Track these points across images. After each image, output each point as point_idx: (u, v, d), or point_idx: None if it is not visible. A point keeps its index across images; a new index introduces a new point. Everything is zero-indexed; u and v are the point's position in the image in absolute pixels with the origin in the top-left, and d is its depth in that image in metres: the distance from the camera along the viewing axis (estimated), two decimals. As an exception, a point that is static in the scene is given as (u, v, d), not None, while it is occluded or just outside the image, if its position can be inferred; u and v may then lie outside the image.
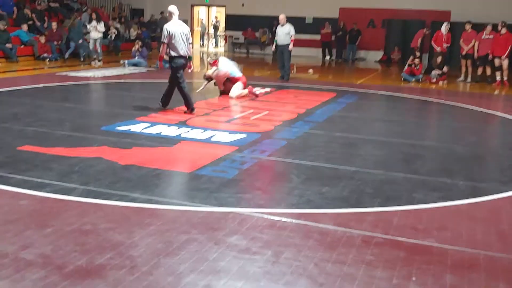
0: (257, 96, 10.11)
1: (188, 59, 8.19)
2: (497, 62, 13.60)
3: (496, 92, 12.72)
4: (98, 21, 15.45)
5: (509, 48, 13.36)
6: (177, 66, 7.98)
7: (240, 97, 9.92)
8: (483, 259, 3.46)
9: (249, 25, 22.79)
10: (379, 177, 5.17)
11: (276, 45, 13.32)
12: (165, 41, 7.96)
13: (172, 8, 8.17)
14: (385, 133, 7.33)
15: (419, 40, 15.85)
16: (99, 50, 15.47)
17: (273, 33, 22.30)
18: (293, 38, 12.95)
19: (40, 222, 3.76)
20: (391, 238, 3.73)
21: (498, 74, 13.73)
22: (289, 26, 12.94)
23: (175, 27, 7.97)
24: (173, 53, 7.95)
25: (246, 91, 10.15)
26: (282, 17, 13.10)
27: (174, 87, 8.15)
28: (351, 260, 3.36)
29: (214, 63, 10.56)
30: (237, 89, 10.00)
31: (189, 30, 8.24)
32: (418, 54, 14.32)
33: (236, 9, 23.14)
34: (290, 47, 12.98)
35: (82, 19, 17.81)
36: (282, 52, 13.12)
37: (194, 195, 4.42)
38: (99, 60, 15.43)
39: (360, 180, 5.04)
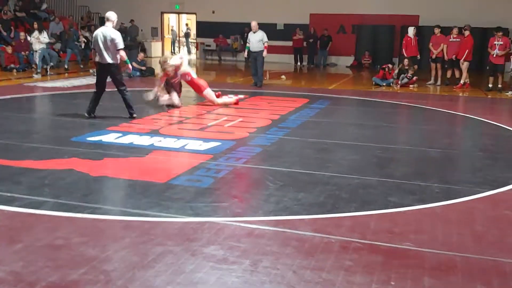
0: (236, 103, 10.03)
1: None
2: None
3: (465, 94, 12.95)
4: (40, 31, 14.88)
5: (466, 51, 13.63)
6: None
7: (226, 104, 9.83)
8: (459, 261, 3.48)
9: (221, 32, 22.77)
10: (354, 182, 5.17)
11: (249, 51, 13.31)
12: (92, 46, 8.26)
13: (107, 14, 8.28)
14: (358, 138, 7.36)
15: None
16: (38, 61, 14.66)
17: (245, 40, 22.47)
18: (266, 44, 13.04)
19: (9, 238, 3.63)
20: (369, 242, 3.72)
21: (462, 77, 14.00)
22: (262, 33, 13.01)
23: (97, 32, 8.14)
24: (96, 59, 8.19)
25: (232, 99, 10.11)
26: (254, 24, 13.20)
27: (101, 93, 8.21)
28: (330, 266, 3.33)
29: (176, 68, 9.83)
30: (212, 94, 9.89)
31: (112, 36, 7.93)
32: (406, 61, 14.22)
33: (207, 16, 23.10)
34: (264, 53, 13.06)
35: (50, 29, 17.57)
36: (255, 58, 13.17)
37: (169, 205, 4.35)
38: (37, 73, 14.38)
39: (336, 185, 5.04)
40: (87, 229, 3.84)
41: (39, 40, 14.68)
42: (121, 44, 7.99)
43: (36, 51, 14.69)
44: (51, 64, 16.59)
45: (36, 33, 14.72)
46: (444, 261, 3.47)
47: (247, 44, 13.39)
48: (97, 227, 3.89)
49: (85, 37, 19.15)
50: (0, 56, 15.30)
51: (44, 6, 20.78)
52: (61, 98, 10.55)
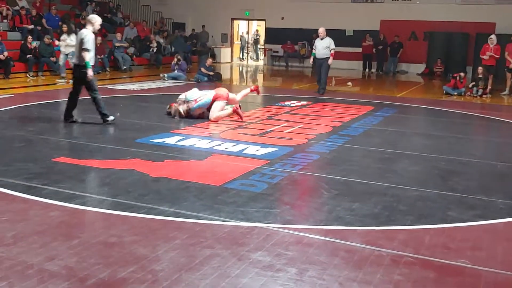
0: (241, 117, 8.57)
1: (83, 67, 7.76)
2: None
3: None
4: (69, 33, 13.99)
5: None
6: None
7: (220, 118, 8.52)
8: (519, 282, 3.28)
9: (289, 38, 22.82)
10: (413, 194, 5.01)
11: (314, 58, 13.09)
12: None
13: (88, 17, 8.30)
14: (422, 148, 7.14)
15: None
16: (61, 65, 14.11)
17: (312, 46, 22.40)
18: (333, 52, 12.77)
19: (67, 233, 3.79)
20: (422, 257, 3.59)
21: None
22: (329, 39, 12.78)
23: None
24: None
25: (228, 111, 8.58)
26: (322, 30, 12.95)
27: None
28: (378, 280, 3.24)
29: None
30: (216, 110, 8.52)
31: (82, 38, 7.71)
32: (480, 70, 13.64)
33: (275, 23, 23.23)
34: (330, 61, 12.80)
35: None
36: (320, 65, 12.94)
37: (221, 208, 4.39)
38: (62, 77, 13.86)
39: (393, 197, 4.90)
40: (141, 228, 3.94)
41: (66, 43, 14.02)
42: (86, 44, 7.67)
43: (66, 54, 13.85)
44: (125, 67, 17.29)
45: (64, 35, 14.21)
46: (502, 281, 3.29)
47: (313, 51, 13.19)
48: (150, 227, 3.98)
49: (157, 42, 19.80)
50: (77, 59, 16.02)
51: (119, 15, 21.62)
52: (131, 101, 10.93)
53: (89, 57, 7.73)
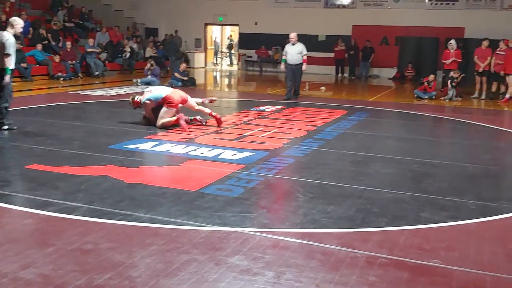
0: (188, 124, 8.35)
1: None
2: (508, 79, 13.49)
3: (511, 109, 12.57)
4: None
5: None
6: None
7: (165, 124, 8.22)
8: (490, 281, 3.37)
9: (262, 43, 22.91)
10: (387, 196, 5.09)
11: (286, 64, 12.80)
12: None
13: (11, 19, 7.97)
14: (395, 151, 7.26)
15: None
16: None
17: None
18: (305, 57, 12.63)
19: (42, 241, 3.75)
20: (396, 258, 3.65)
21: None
22: (301, 45, 12.60)
23: None
24: None
25: (173, 119, 8.24)
26: (293, 36, 12.72)
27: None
28: (354, 282, 3.29)
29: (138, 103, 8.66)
30: (161, 117, 8.22)
31: (3, 42, 7.47)
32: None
33: (249, 28, 23.30)
34: (304, 67, 12.67)
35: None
36: (293, 71, 12.71)
37: (198, 214, 4.39)
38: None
39: (367, 199, 4.97)
40: (117, 235, 3.92)
41: None
42: (9, 49, 7.45)
43: None
44: (97, 73, 17.12)
45: None
46: (473, 280, 3.37)
47: (284, 56, 12.90)
48: (126, 233, 3.96)
49: (131, 47, 19.67)
50: (48, 64, 15.85)
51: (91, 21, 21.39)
52: (104, 106, 10.83)
53: (11, 62, 7.46)
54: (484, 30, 16.85)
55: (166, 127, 8.23)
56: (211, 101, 9.26)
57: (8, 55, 7.44)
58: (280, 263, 3.50)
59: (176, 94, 8.47)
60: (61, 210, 4.39)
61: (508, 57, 13.40)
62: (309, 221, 4.32)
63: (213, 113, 8.60)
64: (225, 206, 4.60)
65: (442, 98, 13.77)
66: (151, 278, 3.24)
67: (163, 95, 8.30)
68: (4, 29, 7.97)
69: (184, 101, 8.48)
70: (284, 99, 12.48)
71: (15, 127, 7.81)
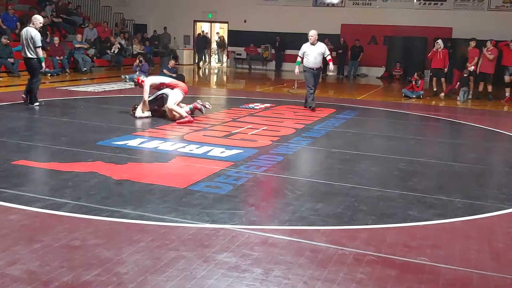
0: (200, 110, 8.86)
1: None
2: (506, 78, 13.63)
3: (498, 108, 12.69)
4: None
5: None
6: None
7: (174, 112, 8.54)
8: (476, 278, 3.40)
9: (251, 41, 22.89)
10: (375, 194, 5.12)
11: (305, 68, 10.65)
12: None
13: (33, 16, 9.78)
14: (383, 149, 7.30)
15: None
16: None
17: (277, 50, 22.52)
18: (330, 57, 10.78)
19: (28, 237, 3.72)
20: (384, 256, 3.68)
21: (507, 90, 13.74)
22: (323, 45, 10.79)
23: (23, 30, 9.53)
24: None
25: (185, 109, 8.65)
26: (313, 34, 10.66)
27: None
28: (341, 279, 3.30)
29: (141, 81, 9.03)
30: (172, 102, 8.56)
31: (32, 35, 9.28)
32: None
33: (238, 25, 23.27)
34: (331, 67, 10.95)
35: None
36: (314, 76, 10.66)
37: (186, 211, 4.39)
38: None
39: (355, 197, 4.99)
40: (104, 231, 3.90)
41: None
42: (38, 43, 9.29)
43: None
44: (85, 69, 17.00)
45: None
46: (460, 278, 3.40)
47: (299, 59, 10.74)
48: (114, 230, 3.95)
49: (119, 44, 19.56)
50: (35, 60, 15.69)
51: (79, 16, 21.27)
52: (92, 103, 10.77)
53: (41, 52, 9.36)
54: (471, 30, 16.98)
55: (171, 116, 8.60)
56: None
57: (39, 47, 9.20)
58: (268, 260, 3.51)
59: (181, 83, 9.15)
60: (48, 206, 4.36)
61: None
62: (298, 219, 4.33)
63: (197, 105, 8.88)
64: (213, 203, 4.60)
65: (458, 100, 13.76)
66: (139, 274, 3.23)
67: (169, 81, 8.97)
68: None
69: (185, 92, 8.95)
70: (308, 108, 10.69)
71: (42, 103, 9.61)
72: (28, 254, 3.44)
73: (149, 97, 8.82)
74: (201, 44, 24.30)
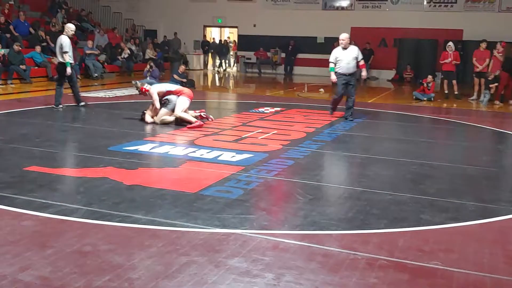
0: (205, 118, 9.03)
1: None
2: None
3: (510, 110, 12.58)
4: None
5: None
6: None
7: (183, 119, 8.61)
8: (489, 282, 3.36)
9: (261, 45, 22.93)
10: (386, 198, 5.09)
11: (339, 74, 9.86)
12: None
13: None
14: (394, 153, 7.26)
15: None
16: None
17: (289, 53, 22.51)
18: (362, 62, 10.04)
19: (41, 243, 3.73)
20: (396, 260, 3.65)
21: None
22: (356, 49, 9.95)
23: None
24: None
25: (191, 116, 8.68)
26: (345, 37, 9.82)
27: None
28: (354, 284, 3.28)
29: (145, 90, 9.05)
30: (180, 109, 8.63)
31: (61, 42, 10.11)
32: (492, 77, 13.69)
33: (248, 30, 23.33)
34: (364, 73, 10.27)
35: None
36: (346, 83, 9.83)
37: (197, 215, 4.38)
38: None
39: (367, 201, 4.96)
40: (116, 237, 3.91)
41: None
42: (66, 48, 10.05)
43: None
44: (96, 74, 17.11)
45: None
46: (473, 282, 3.37)
47: (331, 65, 9.93)
48: (125, 235, 3.95)
49: (130, 49, 19.68)
50: (47, 66, 15.84)
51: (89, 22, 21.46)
52: (103, 108, 10.82)
53: (69, 57, 10.09)
54: (482, 32, 16.88)
55: (182, 120, 8.65)
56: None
57: (66, 52, 9.98)
58: (279, 265, 3.49)
59: (185, 89, 9.20)
60: (60, 212, 4.38)
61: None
62: (309, 223, 4.31)
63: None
64: (224, 208, 4.59)
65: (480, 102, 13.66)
66: (150, 280, 3.23)
67: (175, 89, 8.95)
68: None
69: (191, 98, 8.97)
70: (347, 118, 9.98)
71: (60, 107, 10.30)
72: (40, 260, 3.45)
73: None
74: (222, 49, 24.40)
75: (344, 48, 9.81)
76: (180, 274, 3.31)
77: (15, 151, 6.61)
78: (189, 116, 8.66)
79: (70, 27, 10.47)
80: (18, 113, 9.63)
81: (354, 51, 9.81)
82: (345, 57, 9.73)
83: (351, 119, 9.85)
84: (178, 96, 8.78)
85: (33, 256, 3.51)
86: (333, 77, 9.92)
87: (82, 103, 10.68)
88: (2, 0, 18.56)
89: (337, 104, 10.35)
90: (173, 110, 8.71)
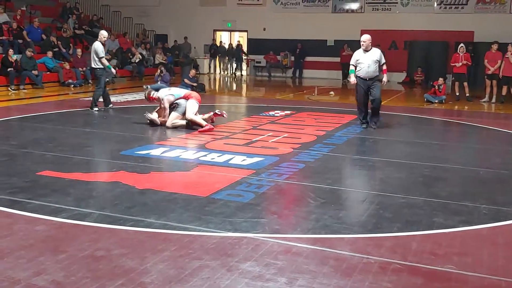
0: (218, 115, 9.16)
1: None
2: None
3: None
4: None
5: None
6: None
7: (194, 122, 8.68)
8: (505, 286, 3.33)
9: (271, 48, 22.95)
10: (399, 201, 5.06)
11: (359, 78, 9.22)
12: None
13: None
14: (405, 155, 7.22)
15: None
16: None
17: (297, 56, 22.50)
18: (385, 67, 9.33)
19: (54, 248, 3.76)
20: (409, 264, 3.62)
21: None
22: (378, 51, 9.33)
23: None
24: None
25: (202, 118, 8.79)
26: (366, 39, 9.27)
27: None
28: (367, 288, 3.26)
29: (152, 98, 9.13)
30: (191, 112, 8.70)
31: (95, 47, 10.76)
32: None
33: (257, 33, 23.36)
34: (385, 78, 9.40)
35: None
36: (368, 88, 9.13)
37: (209, 219, 4.39)
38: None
39: (379, 204, 4.94)
40: (128, 241, 3.92)
41: None
42: (100, 54, 10.66)
43: None
44: (107, 79, 17.18)
45: None
46: (488, 286, 3.33)
47: (351, 67, 9.40)
48: (138, 239, 3.96)
49: (140, 54, 19.77)
50: (59, 71, 15.97)
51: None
52: (114, 113, 10.88)
53: (105, 61, 10.86)
54: (493, 33, 16.78)
55: (193, 123, 8.73)
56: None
57: (102, 57, 10.67)
58: (292, 269, 3.49)
59: (193, 93, 9.28)
60: (73, 216, 4.40)
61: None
62: (321, 227, 4.30)
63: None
64: (236, 212, 4.59)
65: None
66: (163, 284, 3.23)
67: (183, 94, 9.00)
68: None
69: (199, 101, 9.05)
70: (363, 127, 9.30)
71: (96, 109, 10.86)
72: (53, 265, 3.47)
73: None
74: (237, 53, 24.38)
75: (366, 51, 9.20)
76: (193, 278, 3.32)
77: (28, 156, 6.66)
78: (200, 119, 8.69)
79: (103, 34, 11.08)
80: (30, 118, 9.71)
81: (375, 54, 9.18)
82: (366, 60, 9.11)
83: (374, 127, 9.16)
84: (187, 99, 8.81)
85: (46, 261, 3.53)
86: (352, 79, 9.34)
87: (111, 105, 11.21)
88: (14, 6, 18.73)
89: (363, 113, 9.37)
90: (183, 114, 8.75)
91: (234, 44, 24.95)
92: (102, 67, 10.77)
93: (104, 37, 11.06)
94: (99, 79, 10.89)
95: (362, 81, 9.13)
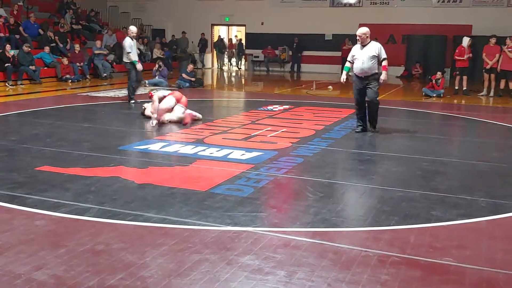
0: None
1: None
2: None
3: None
4: None
5: None
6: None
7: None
8: (503, 278, 3.35)
9: (269, 43, 22.92)
10: (397, 195, 5.08)
11: (354, 75, 8.43)
12: None
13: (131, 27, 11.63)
14: (404, 149, 7.23)
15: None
16: None
17: (294, 51, 22.49)
18: (385, 63, 8.13)
19: (54, 242, 3.77)
20: (408, 257, 3.64)
21: None
22: (377, 45, 8.24)
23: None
24: None
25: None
26: (361, 32, 8.26)
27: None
28: (366, 280, 3.28)
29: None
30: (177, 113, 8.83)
31: (123, 43, 11.24)
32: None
33: (255, 28, 23.32)
34: (383, 76, 8.19)
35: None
36: (364, 87, 8.23)
37: (208, 214, 4.40)
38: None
39: (378, 198, 4.96)
40: (128, 235, 3.93)
41: None
42: (127, 49, 11.00)
43: None
44: (105, 74, 17.18)
45: None
46: (486, 278, 3.36)
47: (347, 64, 8.55)
48: (138, 233, 3.98)
49: (138, 49, 19.71)
50: (56, 67, 15.94)
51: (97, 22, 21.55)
52: (112, 108, 10.88)
53: (132, 56, 11.11)
54: (491, 27, 16.79)
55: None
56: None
57: (129, 52, 10.96)
58: (291, 263, 3.50)
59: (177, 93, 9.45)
60: (72, 211, 4.41)
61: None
62: (320, 220, 4.32)
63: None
64: (235, 206, 4.61)
65: None
66: (163, 278, 3.25)
67: (174, 101, 9.00)
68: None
69: (178, 100, 9.08)
70: (356, 131, 8.37)
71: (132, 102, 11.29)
72: (53, 259, 3.48)
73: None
74: (240, 48, 24.47)
75: (363, 45, 8.20)
76: (193, 272, 3.33)
77: (27, 151, 6.66)
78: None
79: (132, 30, 11.41)
80: (29, 113, 9.70)
81: (372, 49, 8.10)
82: (360, 56, 8.14)
83: (372, 130, 8.35)
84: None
85: (46, 255, 3.54)
86: (342, 77, 8.63)
87: (133, 101, 11.36)
88: (11, 1, 18.67)
89: (361, 114, 8.42)
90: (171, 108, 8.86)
91: (234, 40, 24.96)
92: (129, 61, 11.15)
93: (133, 32, 11.31)
94: (129, 72, 11.36)
95: (357, 79, 8.28)
